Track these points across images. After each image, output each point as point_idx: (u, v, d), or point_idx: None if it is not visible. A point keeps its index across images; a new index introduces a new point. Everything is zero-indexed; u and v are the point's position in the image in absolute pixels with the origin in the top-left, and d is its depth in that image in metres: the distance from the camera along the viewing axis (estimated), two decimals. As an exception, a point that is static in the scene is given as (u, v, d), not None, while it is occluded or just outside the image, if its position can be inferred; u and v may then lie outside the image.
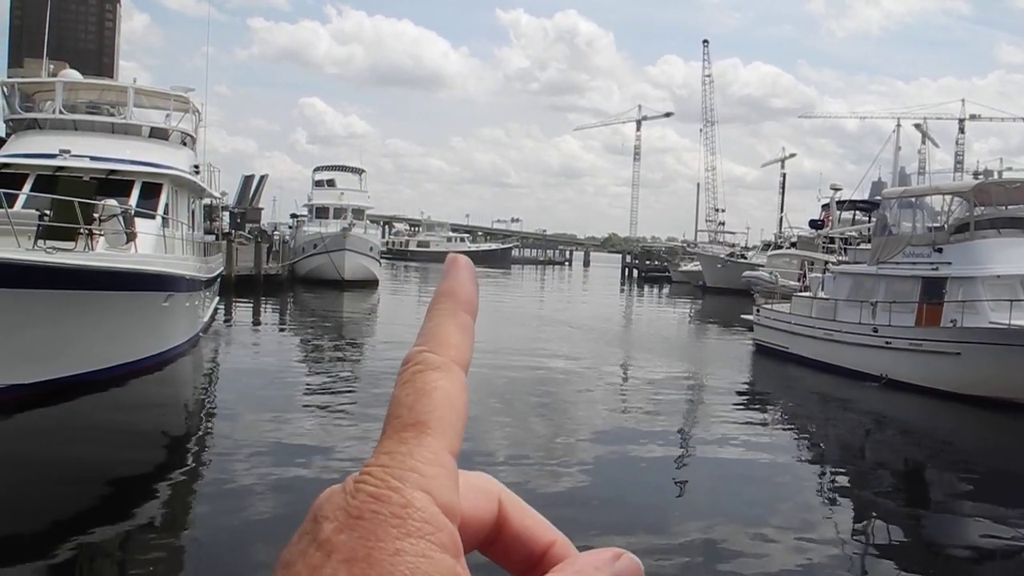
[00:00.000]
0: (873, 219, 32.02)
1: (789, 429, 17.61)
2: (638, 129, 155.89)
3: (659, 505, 11.10)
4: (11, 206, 14.27)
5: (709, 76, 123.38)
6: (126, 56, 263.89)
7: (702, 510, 10.72)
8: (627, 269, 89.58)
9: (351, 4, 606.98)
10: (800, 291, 28.27)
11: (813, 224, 52.96)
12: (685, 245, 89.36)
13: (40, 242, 13.94)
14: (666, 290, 66.99)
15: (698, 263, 70.61)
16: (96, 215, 15.13)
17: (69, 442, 12.84)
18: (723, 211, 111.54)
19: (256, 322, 34.08)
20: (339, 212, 54.00)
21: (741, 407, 18.63)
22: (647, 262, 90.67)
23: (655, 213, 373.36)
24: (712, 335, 35.81)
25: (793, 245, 54.52)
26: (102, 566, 8.52)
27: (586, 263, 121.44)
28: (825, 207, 48.87)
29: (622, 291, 67.97)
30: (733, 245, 79.87)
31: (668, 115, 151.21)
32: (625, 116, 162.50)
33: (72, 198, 14.61)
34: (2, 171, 18.08)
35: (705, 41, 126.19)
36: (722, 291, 56.64)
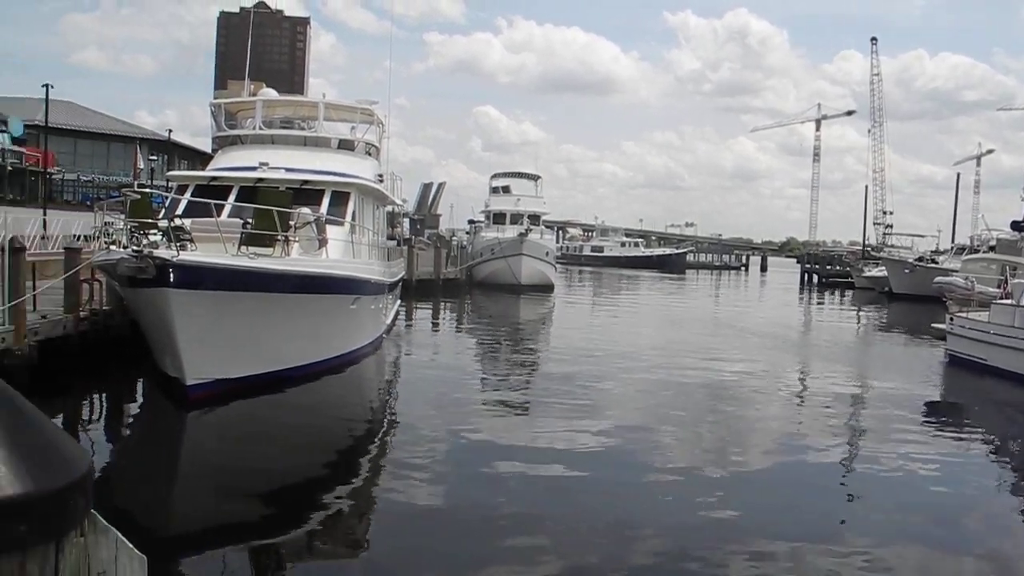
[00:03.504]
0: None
1: (985, 448, 15.87)
2: (817, 129, 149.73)
3: (831, 518, 10.53)
4: (218, 215, 15.50)
5: (878, 75, 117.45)
6: (314, 74, 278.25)
7: (878, 529, 10.05)
8: (806, 274, 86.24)
9: (522, 14, 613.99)
10: (1000, 298, 26.37)
11: (1015, 226, 49.20)
12: (869, 249, 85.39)
13: (243, 248, 15.05)
14: (848, 296, 64.01)
15: (883, 268, 67.20)
16: (292, 223, 16.15)
17: (266, 434, 13.82)
18: (891, 213, 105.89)
19: (435, 325, 35.15)
20: (516, 218, 54.90)
21: (931, 423, 17.12)
22: (828, 267, 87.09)
23: (835, 216, 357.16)
24: (899, 345, 33.96)
25: (992, 249, 50.95)
26: (291, 551, 9.07)
27: (763, 268, 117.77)
28: (1030, 206, 45.48)
29: (801, 297, 65.50)
30: (906, 248, 75.22)
31: (850, 113, 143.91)
32: (803, 116, 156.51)
33: (271, 207, 15.67)
34: (211, 183, 19.64)
35: (873, 39, 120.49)
36: (910, 298, 53.63)
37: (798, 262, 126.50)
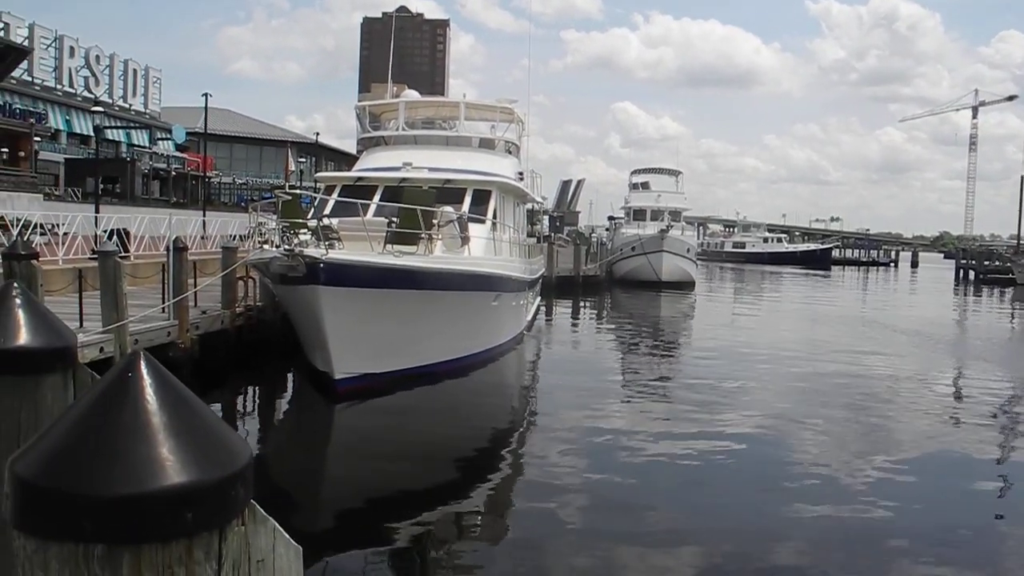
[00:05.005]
0: None
1: None
2: (974, 116, 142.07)
3: (978, 534, 9.77)
4: (364, 214, 15.94)
5: None
6: (454, 75, 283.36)
7: None
8: (962, 270, 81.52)
9: (658, 9, 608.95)
10: None
11: None
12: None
13: (388, 246, 15.42)
14: (1008, 294, 60.09)
15: (1050, 264, 62.95)
16: (435, 221, 16.44)
17: (410, 428, 14.11)
18: None
19: (575, 322, 35.18)
20: (656, 214, 54.31)
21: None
22: (985, 262, 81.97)
23: (995, 208, 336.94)
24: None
25: None
26: (428, 543, 9.22)
27: (914, 264, 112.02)
28: None
29: (956, 294, 61.94)
30: None
31: (1012, 98, 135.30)
32: (958, 103, 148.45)
33: (416, 206, 16.00)
34: (357, 184, 20.24)
35: None
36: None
37: (945, 258, 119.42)
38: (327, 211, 17.98)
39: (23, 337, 2.90)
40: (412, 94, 27.24)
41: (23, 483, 1.46)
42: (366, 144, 25.28)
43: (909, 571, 8.48)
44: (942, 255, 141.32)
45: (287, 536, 1.79)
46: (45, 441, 1.54)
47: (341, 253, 14.31)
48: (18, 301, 2.96)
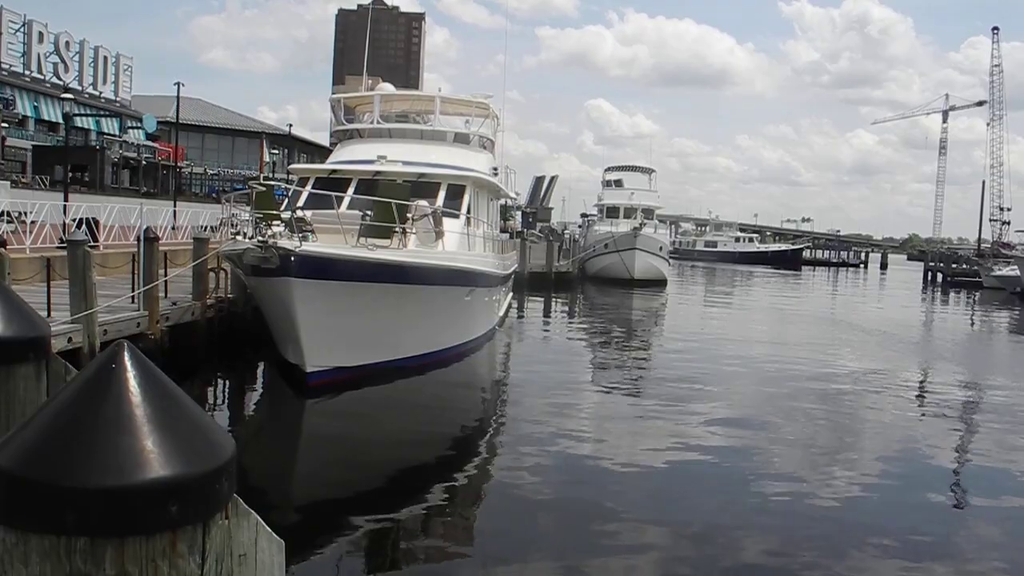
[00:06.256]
0: None
1: None
2: (944, 120, 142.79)
3: (938, 528, 9.93)
4: (338, 207, 15.86)
5: (998, 66, 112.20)
6: (428, 69, 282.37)
7: (986, 544, 9.51)
8: (930, 273, 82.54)
9: (633, 7, 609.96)
10: None
11: None
12: (999, 247, 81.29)
13: (362, 239, 15.35)
14: (976, 296, 60.83)
15: (1015, 267, 63.77)
16: (410, 215, 16.38)
17: (382, 422, 14.11)
18: (1009, 210, 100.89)
19: (547, 318, 35.21)
20: (629, 212, 54.47)
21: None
22: (953, 265, 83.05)
23: (963, 212, 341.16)
24: (1033, 347, 32.24)
25: None
26: (404, 536, 9.27)
27: (883, 266, 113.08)
28: None
29: (924, 297, 62.67)
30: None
31: (981, 103, 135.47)
32: (929, 107, 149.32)
33: (390, 200, 15.94)
34: (331, 176, 20.12)
35: (995, 28, 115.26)
36: (1046, 299, 50.79)
37: (909, 259, 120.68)
38: (301, 203, 17.87)
39: (-5, 326, 2.87)
40: (387, 87, 27.10)
41: (2, 474, 1.44)
42: (340, 137, 25.16)
43: (873, 566, 8.58)
44: (906, 256, 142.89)
45: (269, 530, 1.78)
46: (26, 432, 1.51)
47: (314, 245, 14.23)
48: (-10, 290, 2.92)
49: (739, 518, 9.82)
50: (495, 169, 24.88)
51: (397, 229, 15.81)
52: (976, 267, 76.21)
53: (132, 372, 1.58)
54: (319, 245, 14.37)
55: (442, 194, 19.67)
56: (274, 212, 16.07)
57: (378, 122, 24.23)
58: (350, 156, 22.01)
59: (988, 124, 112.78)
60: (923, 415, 16.92)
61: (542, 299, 39.67)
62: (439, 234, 17.25)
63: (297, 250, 13.43)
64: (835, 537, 9.33)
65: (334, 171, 20.63)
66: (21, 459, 1.45)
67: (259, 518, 1.77)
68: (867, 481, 11.69)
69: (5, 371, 2.94)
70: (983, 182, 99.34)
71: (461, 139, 24.73)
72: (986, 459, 13.49)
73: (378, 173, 19.51)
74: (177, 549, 1.53)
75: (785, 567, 8.55)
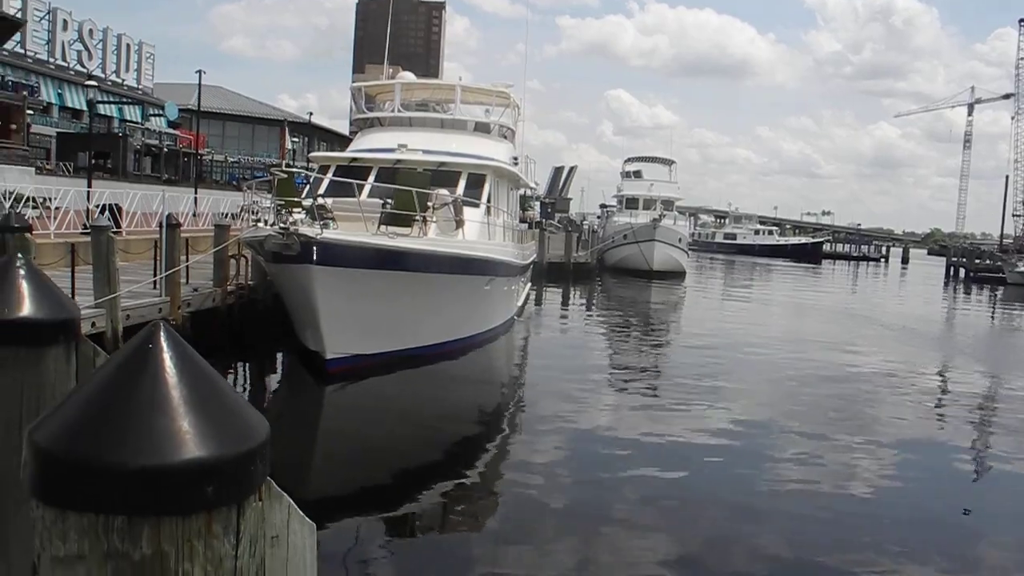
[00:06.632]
0: None
1: None
2: (969, 114, 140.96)
3: (959, 531, 9.96)
4: (359, 195, 15.88)
5: None
6: (448, 58, 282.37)
7: (1001, 540, 9.53)
8: (952, 268, 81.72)
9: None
10: None
11: None
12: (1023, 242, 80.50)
13: (382, 227, 15.37)
14: (1000, 293, 60.22)
15: (1041, 262, 63.15)
16: (430, 204, 16.39)
17: (399, 410, 14.13)
18: None
19: (564, 308, 35.18)
20: (649, 203, 54.25)
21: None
22: (976, 260, 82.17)
23: (987, 207, 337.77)
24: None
25: None
26: (416, 521, 9.36)
27: (904, 260, 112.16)
28: None
29: (945, 293, 62.11)
30: None
31: (1008, 96, 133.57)
32: (954, 100, 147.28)
33: (412, 188, 15.95)
34: (352, 164, 20.15)
35: (1022, 20, 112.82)
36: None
37: (929, 254, 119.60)
38: (321, 191, 17.92)
39: (26, 308, 2.88)
40: (408, 76, 27.08)
41: (43, 452, 1.45)
42: (360, 125, 25.17)
43: (887, 558, 8.56)
44: (926, 251, 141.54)
45: (301, 513, 1.79)
46: (65, 411, 1.52)
47: (336, 233, 14.27)
48: (22, 272, 2.93)
49: (754, 510, 9.83)
50: (515, 159, 24.81)
51: (417, 218, 15.82)
52: (1000, 263, 75.46)
53: (169, 352, 1.59)
54: (340, 233, 14.40)
55: (462, 183, 19.64)
56: (295, 200, 16.11)
57: (399, 111, 24.23)
58: (371, 144, 22.02)
59: (1013, 118, 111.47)
60: (942, 412, 16.80)
61: (560, 290, 39.64)
62: (459, 223, 17.25)
63: (318, 237, 13.47)
64: (852, 530, 9.34)
65: (355, 159, 20.65)
66: (60, 438, 1.46)
67: (291, 501, 1.78)
68: (881, 475, 11.71)
69: (36, 354, 2.96)
70: (1006, 177, 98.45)
71: (482, 128, 24.68)
72: (1005, 457, 13.40)
73: (399, 162, 19.52)
74: (212, 530, 1.53)
75: (800, 560, 8.55)
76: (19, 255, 2.92)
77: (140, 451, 1.44)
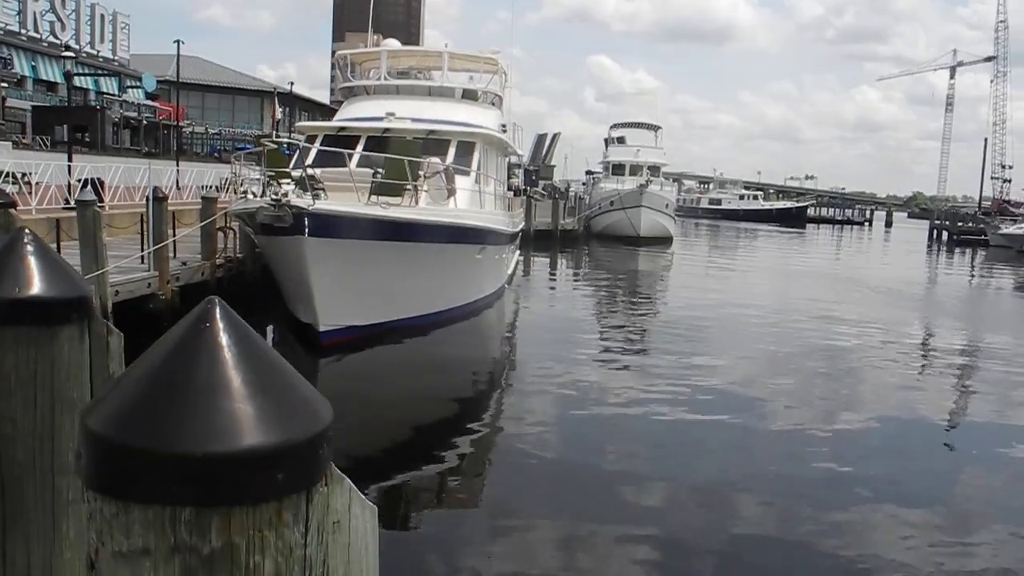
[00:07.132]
0: None
1: None
2: (952, 77, 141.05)
3: (937, 483, 10.16)
4: (349, 164, 15.69)
5: (1003, 22, 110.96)
6: (429, 25, 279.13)
7: (982, 497, 9.71)
8: (935, 231, 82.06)
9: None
10: None
11: None
12: (1007, 204, 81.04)
13: (373, 197, 15.21)
14: (982, 255, 60.54)
15: (1023, 225, 63.47)
16: (421, 172, 16.21)
17: (394, 380, 14.09)
18: (1010, 167, 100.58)
19: (552, 275, 35.16)
20: (635, 169, 54.10)
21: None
22: (959, 223, 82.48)
23: (968, 170, 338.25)
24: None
25: None
26: (412, 491, 9.40)
27: (888, 224, 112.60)
28: None
29: (929, 255, 62.48)
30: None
31: (989, 59, 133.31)
32: (936, 63, 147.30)
33: (402, 157, 15.76)
34: (340, 133, 19.89)
35: None
36: (1053, 257, 50.49)
37: (909, 216, 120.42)
38: (309, 161, 17.70)
39: (37, 287, 2.76)
40: (393, 43, 26.75)
41: (101, 440, 1.34)
42: (346, 94, 24.85)
43: (871, 521, 8.65)
44: (906, 214, 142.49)
45: (362, 496, 1.70)
46: (120, 395, 1.41)
47: (327, 204, 14.10)
48: (30, 249, 2.81)
49: (742, 475, 9.99)
50: (504, 126, 24.59)
51: (409, 187, 15.66)
52: (983, 225, 75.86)
53: (226, 331, 1.48)
54: (332, 203, 14.23)
55: (452, 151, 19.43)
56: (286, 170, 15.91)
57: (385, 78, 23.93)
58: (357, 113, 21.74)
59: (991, 81, 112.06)
60: (927, 371, 17.22)
61: (548, 257, 39.59)
62: (451, 192, 17.10)
63: (311, 209, 13.30)
64: (837, 491, 9.50)
65: (342, 128, 20.40)
66: (119, 424, 1.36)
67: (352, 484, 1.68)
68: (866, 436, 11.94)
69: (49, 333, 2.84)
70: (985, 139, 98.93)
71: (469, 95, 24.41)
72: (986, 414, 13.71)
73: (387, 130, 19.29)
74: (283, 518, 1.44)
75: (786, 523, 8.68)
76: (26, 231, 2.80)
77: (206, 438, 1.34)
